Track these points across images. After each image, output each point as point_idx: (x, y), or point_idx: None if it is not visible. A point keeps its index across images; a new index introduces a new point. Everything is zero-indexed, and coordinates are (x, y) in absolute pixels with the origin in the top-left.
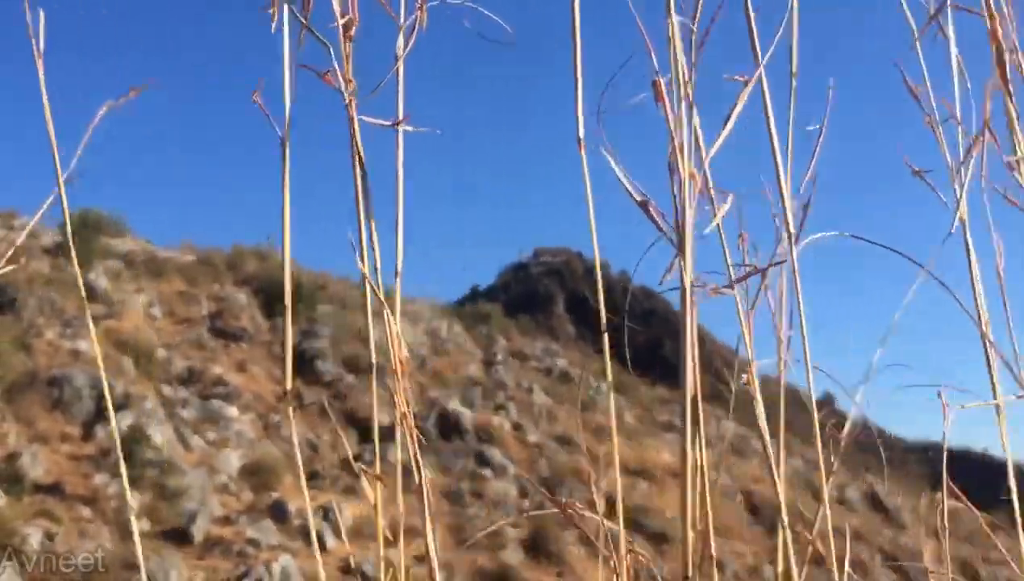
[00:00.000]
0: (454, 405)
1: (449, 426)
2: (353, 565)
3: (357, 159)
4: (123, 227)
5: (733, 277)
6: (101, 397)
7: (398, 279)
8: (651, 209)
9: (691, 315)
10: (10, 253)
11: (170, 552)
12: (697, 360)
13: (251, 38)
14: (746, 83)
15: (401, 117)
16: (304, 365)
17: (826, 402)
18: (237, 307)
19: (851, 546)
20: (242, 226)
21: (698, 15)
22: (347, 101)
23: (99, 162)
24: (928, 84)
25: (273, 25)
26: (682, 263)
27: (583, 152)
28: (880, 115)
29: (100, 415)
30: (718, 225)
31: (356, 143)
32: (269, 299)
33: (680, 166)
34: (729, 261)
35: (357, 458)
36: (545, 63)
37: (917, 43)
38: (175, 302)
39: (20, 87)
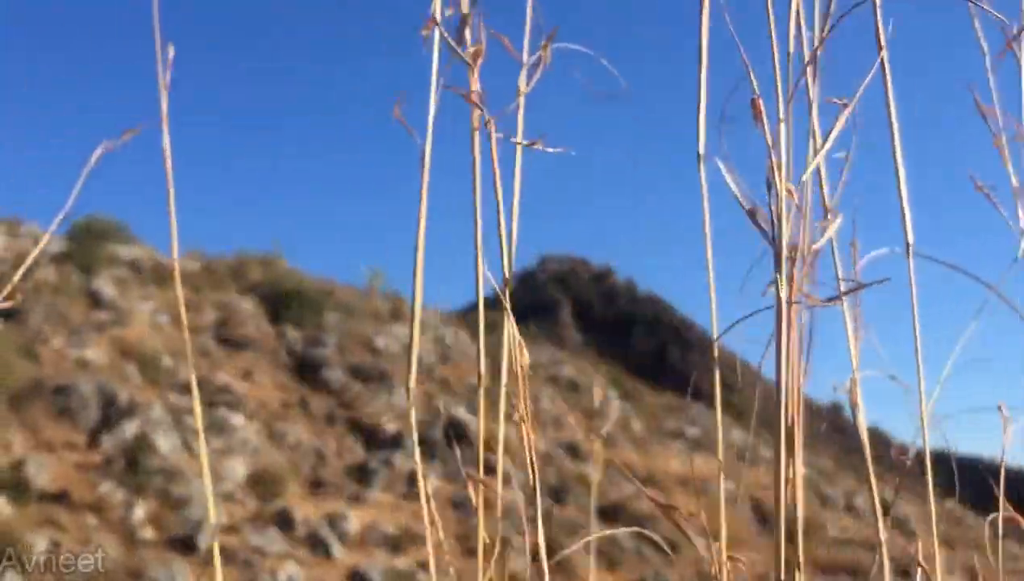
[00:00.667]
0: (460, 413)
1: (456, 434)
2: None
3: (494, 177)
4: (129, 234)
5: (841, 290)
6: (107, 405)
7: (507, 291)
8: (759, 219)
9: (787, 334)
10: (19, 274)
11: (176, 561)
12: (797, 383)
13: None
14: (844, 106)
15: (534, 139)
16: (310, 373)
17: (833, 410)
18: (242, 315)
19: (860, 555)
20: (246, 233)
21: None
22: (487, 120)
23: (106, 168)
24: (996, 104)
25: (424, 44)
26: (778, 278)
27: (702, 168)
28: (945, 136)
29: (106, 423)
30: (830, 241)
31: (494, 161)
32: (275, 306)
33: (776, 182)
34: (840, 274)
35: (363, 466)
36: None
37: (988, 67)
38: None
39: (20, 99)
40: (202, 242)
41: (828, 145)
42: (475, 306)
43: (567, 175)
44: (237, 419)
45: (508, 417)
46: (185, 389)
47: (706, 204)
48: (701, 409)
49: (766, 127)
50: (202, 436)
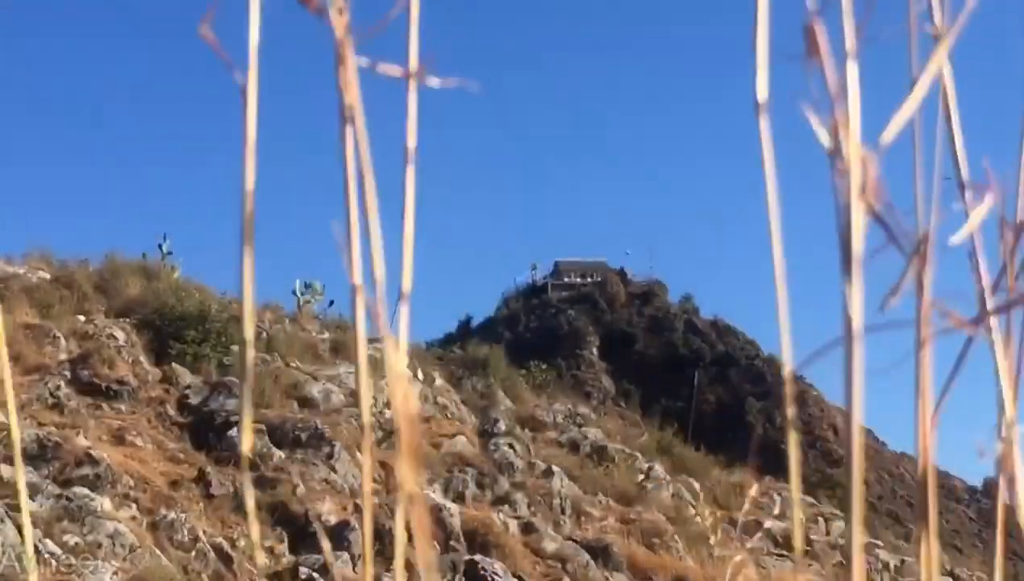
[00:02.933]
0: (434, 496)
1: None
2: None
3: (350, 119)
4: None
5: (990, 306)
6: None
7: (403, 305)
8: (875, 197)
9: (927, 371)
10: None
11: None
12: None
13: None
14: (938, 37)
15: (415, 64)
16: (212, 435)
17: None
18: (113, 348)
19: None
20: (119, 232)
21: None
22: (339, 37)
23: None
24: None
25: None
26: (848, 290)
27: (762, 118)
28: None
29: None
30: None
31: (350, 93)
32: (160, 336)
33: (844, 146)
34: (985, 282)
35: (290, 573)
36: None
37: None
38: (22, 340)
39: None
40: (53, 243)
41: (922, 87)
42: (453, 339)
43: (579, 160)
44: (104, 504)
45: (500, 501)
46: (27, 458)
47: (769, 166)
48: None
49: (826, 65)
50: (30, 532)
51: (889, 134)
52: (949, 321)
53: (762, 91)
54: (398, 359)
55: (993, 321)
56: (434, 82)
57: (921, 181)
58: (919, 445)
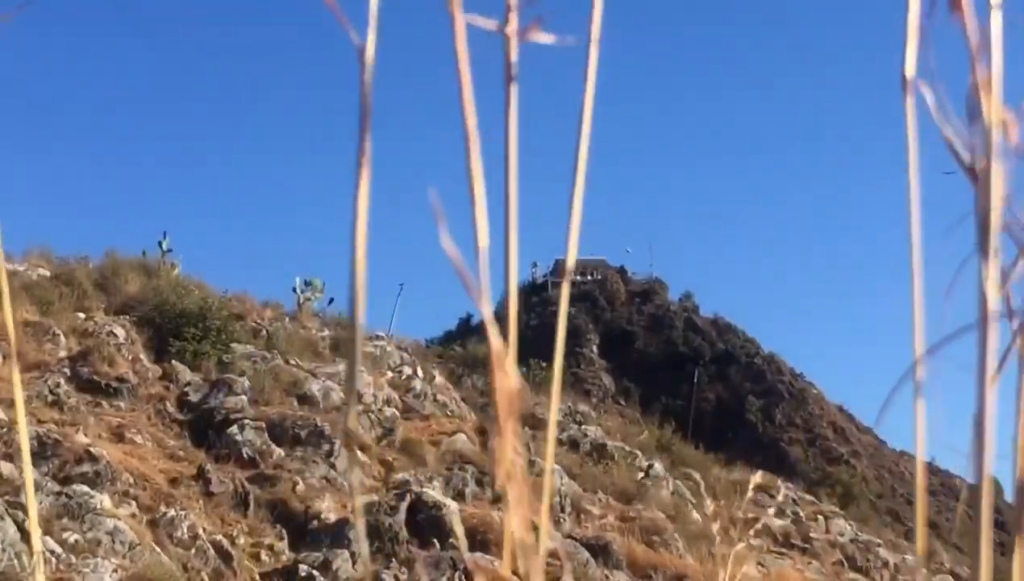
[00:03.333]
0: (434, 493)
1: (427, 524)
2: None
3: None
4: None
5: None
6: None
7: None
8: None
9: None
10: None
11: None
12: None
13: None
14: None
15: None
16: (212, 432)
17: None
18: (113, 346)
19: None
20: (119, 229)
21: None
22: None
23: None
24: None
25: None
26: (984, 271)
27: (909, 97)
28: None
29: None
30: None
31: (461, 50)
32: (160, 334)
33: (985, 107)
34: None
35: (289, 571)
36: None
37: None
38: (22, 338)
39: None
40: (53, 240)
41: None
42: (453, 337)
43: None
44: (104, 501)
45: (499, 499)
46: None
47: (913, 144)
48: (791, 488)
49: (968, 22)
50: (34, 513)
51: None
52: None
53: (910, 66)
54: (495, 337)
55: None
56: (539, 37)
57: None
58: (1020, 443)
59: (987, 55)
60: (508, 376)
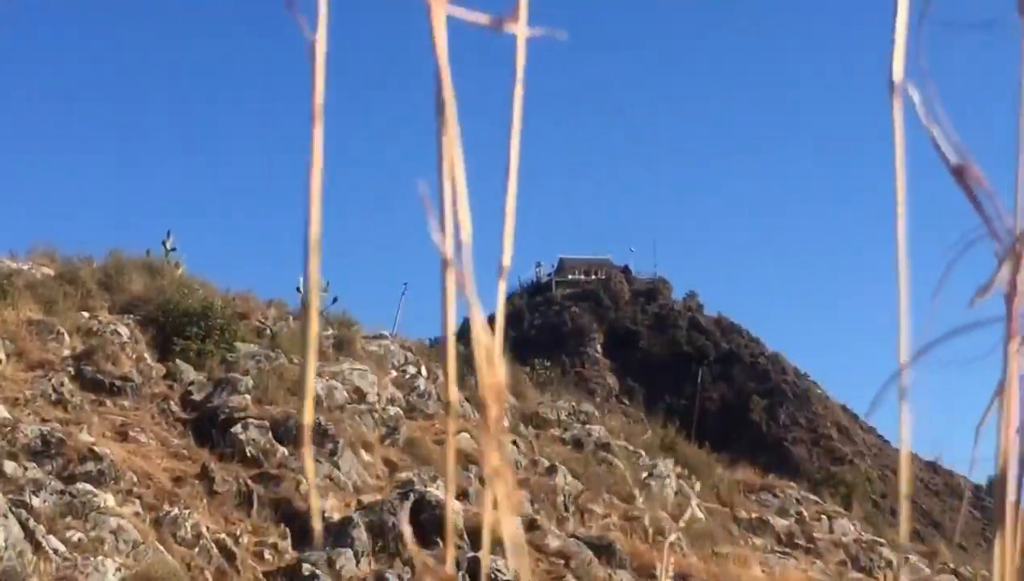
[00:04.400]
0: (438, 493)
1: (431, 523)
2: None
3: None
4: None
5: None
6: None
7: (501, 281)
8: (972, 179)
9: (1014, 371)
10: None
11: None
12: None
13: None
14: None
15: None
16: (215, 431)
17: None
18: (117, 344)
19: None
20: (123, 228)
21: None
22: None
23: None
24: None
25: None
26: (1011, 272)
27: (896, 101)
28: None
29: None
30: None
31: (440, 43)
32: (164, 333)
33: None
34: None
35: (292, 570)
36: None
37: None
38: (26, 337)
39: None
40: (57, 239)
41: None
42: (457, 336)
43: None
44: (108, 500)
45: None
46: (30, 454)
47: (900, 150)
48: (795, 487)
49: None
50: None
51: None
52: None
53: (898, 71)
54: (482, 329)
55: None
56: (523, 31)
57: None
58: (1000, 447)
59: None
60: (495, 374)
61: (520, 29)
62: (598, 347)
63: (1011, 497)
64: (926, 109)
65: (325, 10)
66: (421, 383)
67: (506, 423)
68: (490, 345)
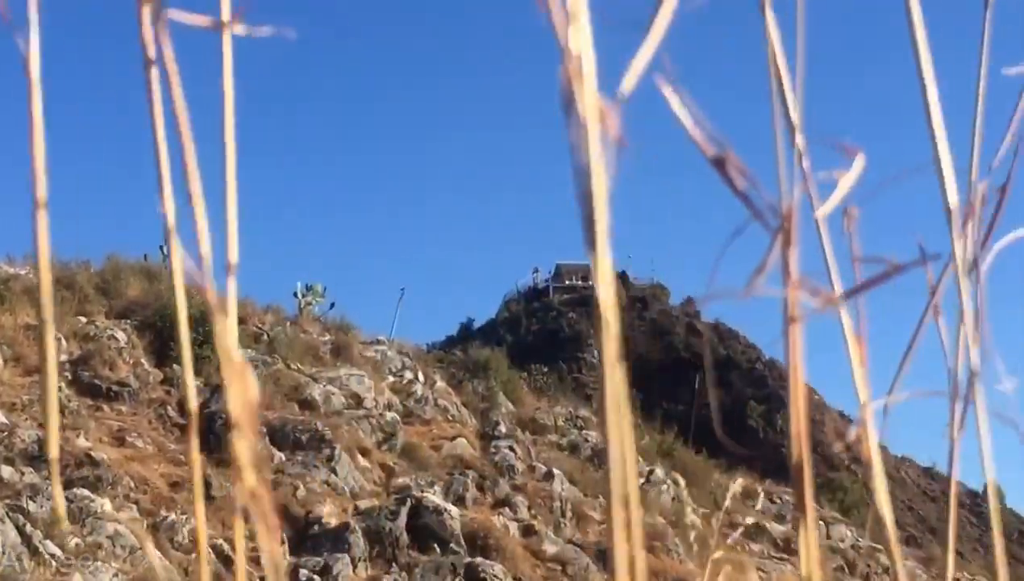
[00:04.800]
0: (435, 498)
1: (427, 529)
2: None
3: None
4: None
5: (857, 282)
6: None
7: (231, 278)
8: (732, 168)
9: (798, 353)
10: None
11: None
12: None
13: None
14: None
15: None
16: (212, 436)
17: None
18: (114, 350)
19: None
20: (120, 233)
21: None
22: None
23: None
24: None
25: None
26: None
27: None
28: None
29: None
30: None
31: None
32: (161, 337)
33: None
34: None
35: (293, 573)
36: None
37: None
38: (23, 342)
39: None
40: (54, 244)
41: None
42: (454, 341)
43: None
44: (105, 505)
45: (501, 503)
46: (27, 459)
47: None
48: (792, 493)
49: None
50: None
51: (629, 83)
52: (816, 300)
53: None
54: (230, 338)
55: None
56: (246, 31)
57: (782, 149)
58: (792, 430)
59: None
60: (246, 386)
61: (237, 30)
62: (595, 353)
63: (808, 491)
64: (682, 103)
65: (36, 24)
66: (418, 389)
67: (504, 428)
68: (236, 354)
